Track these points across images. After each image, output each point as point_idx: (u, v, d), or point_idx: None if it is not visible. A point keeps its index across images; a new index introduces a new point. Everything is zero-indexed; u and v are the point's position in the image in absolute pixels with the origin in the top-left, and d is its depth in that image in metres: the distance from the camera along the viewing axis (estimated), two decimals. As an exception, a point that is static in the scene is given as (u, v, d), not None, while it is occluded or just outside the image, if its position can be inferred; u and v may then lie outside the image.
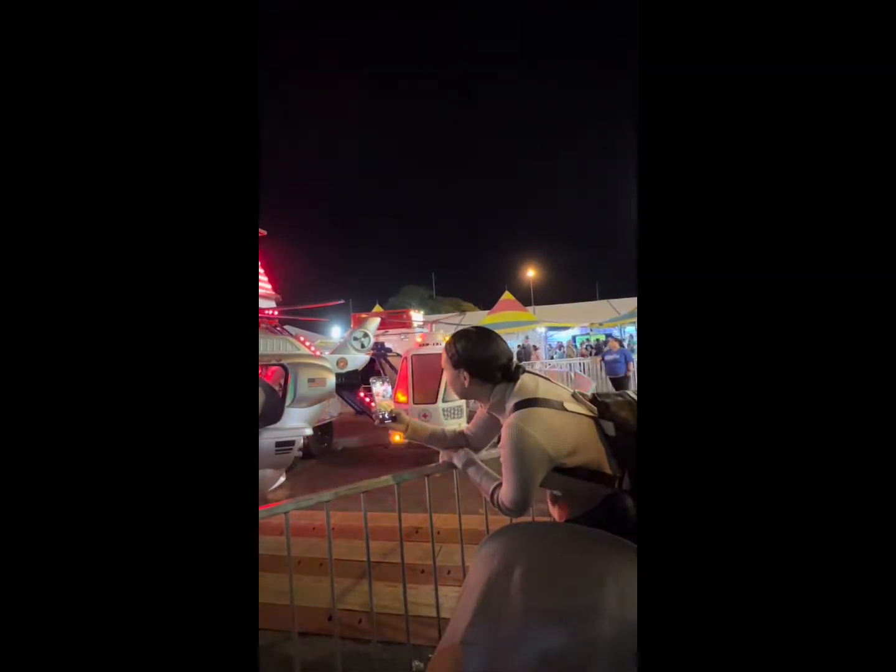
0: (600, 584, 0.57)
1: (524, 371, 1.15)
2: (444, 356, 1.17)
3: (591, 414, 1.14)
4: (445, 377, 1.21)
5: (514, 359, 1.17)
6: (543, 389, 1.11)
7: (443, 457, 1.39)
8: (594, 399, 1.17)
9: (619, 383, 7.29)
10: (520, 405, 1.07)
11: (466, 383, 1.13)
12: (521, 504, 1.07)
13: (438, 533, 1.90)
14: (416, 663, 1.63)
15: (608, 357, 7.57)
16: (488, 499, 1.15)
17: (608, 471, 1.09)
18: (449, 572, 2.28)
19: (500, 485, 1.11)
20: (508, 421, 1.07)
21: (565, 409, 1.09)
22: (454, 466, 1.35)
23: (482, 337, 1.16)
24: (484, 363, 1.12)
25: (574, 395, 1.15)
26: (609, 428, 1.11)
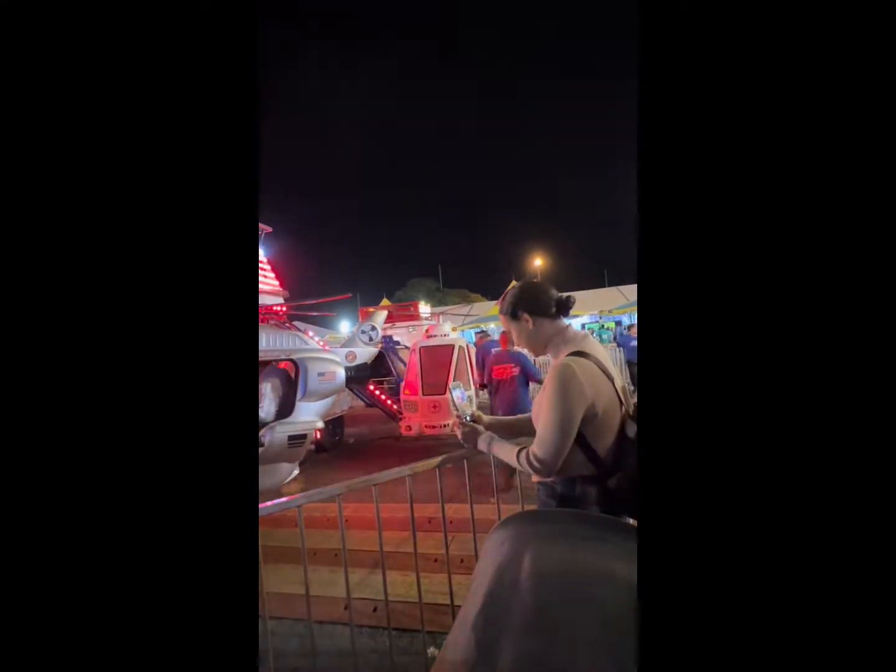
0: (609, 570, 0.57)
1: (573, 302, 1.26)
2: (502, 318, 1.28)
3: (625, 406, 1.14)
4: (512, 335, 1.29)
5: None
6: (604, 356, 1.17)
7: (475, 444, 1.38)
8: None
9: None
10: (574, 353, 1.13)
11: (530, 325, 1.21)
12: (555, 451, 1.07)
13: (451, 522, 1.92)
14: (430, 650, 1.66)
15: (633, 343, 7.51)
16: (516, 463, 1.16)
17: (604, 458, 1.10)
18: (462, 561, 2.30)
19: (524, 447, 1.15)
20: (557, 361, 1.14)
21: (613, 384, 1.12)
22: (479, 452, 1.37)
23: (526, 282, 1.30)
24: (536, 297, 1.23)
25: (624, 388, 1.17)
26: (631, 430, 1.12)
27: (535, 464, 1.09)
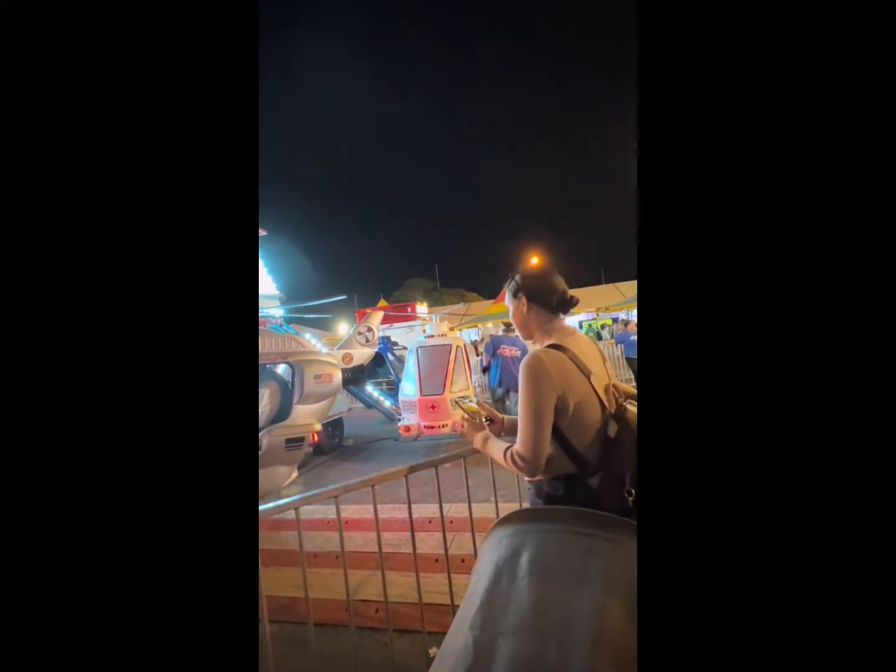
0: (606, 568, 0.56)
1: (576, 303, 1.25)
2: (506, 292, 1.30)
3: (605, 403, 1.12)
4: (510, 311, 1.29)
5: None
6: (587, 354, 1.15)
7: (473, 439, 1.38)
8: (621, 399, 1.16)
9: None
10: (549, 346, 1.14)
11: (525, 309, 1.24)
12: (534, 446, 1.06)
13: (451, 522, 1.92)
14: (431, 650, 1.65)
15: (633, 338, 7.56)
16: (504, 461, 1.16)
17: (586, 458, 1.08)
18: (463, 560, 2.30)
19: (511, 446, 1.14)
20: (528, 354, 1.13)
21: (589, 380, 1.10)
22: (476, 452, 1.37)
23: (539, 268, 1.32)
24: (540, 287, 1.24)
25: (607, 387, 1.15)
26: (612, 429, 1.10)
27: (519, 461, 1.09)
